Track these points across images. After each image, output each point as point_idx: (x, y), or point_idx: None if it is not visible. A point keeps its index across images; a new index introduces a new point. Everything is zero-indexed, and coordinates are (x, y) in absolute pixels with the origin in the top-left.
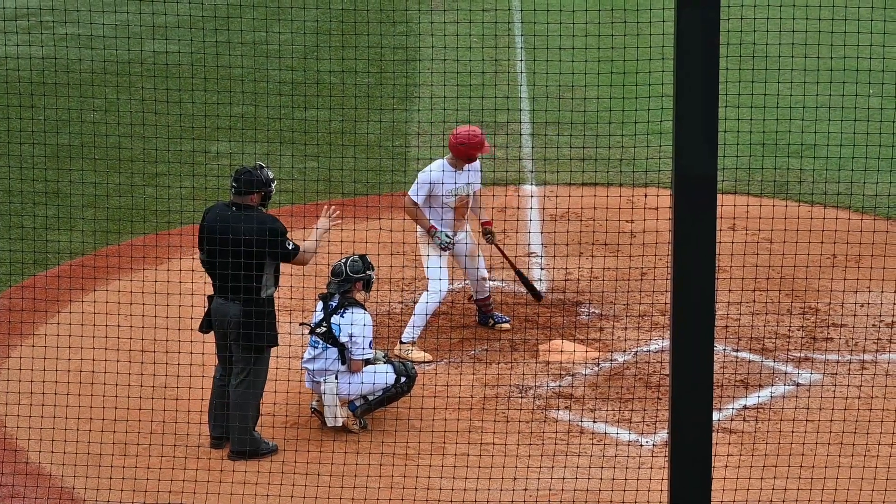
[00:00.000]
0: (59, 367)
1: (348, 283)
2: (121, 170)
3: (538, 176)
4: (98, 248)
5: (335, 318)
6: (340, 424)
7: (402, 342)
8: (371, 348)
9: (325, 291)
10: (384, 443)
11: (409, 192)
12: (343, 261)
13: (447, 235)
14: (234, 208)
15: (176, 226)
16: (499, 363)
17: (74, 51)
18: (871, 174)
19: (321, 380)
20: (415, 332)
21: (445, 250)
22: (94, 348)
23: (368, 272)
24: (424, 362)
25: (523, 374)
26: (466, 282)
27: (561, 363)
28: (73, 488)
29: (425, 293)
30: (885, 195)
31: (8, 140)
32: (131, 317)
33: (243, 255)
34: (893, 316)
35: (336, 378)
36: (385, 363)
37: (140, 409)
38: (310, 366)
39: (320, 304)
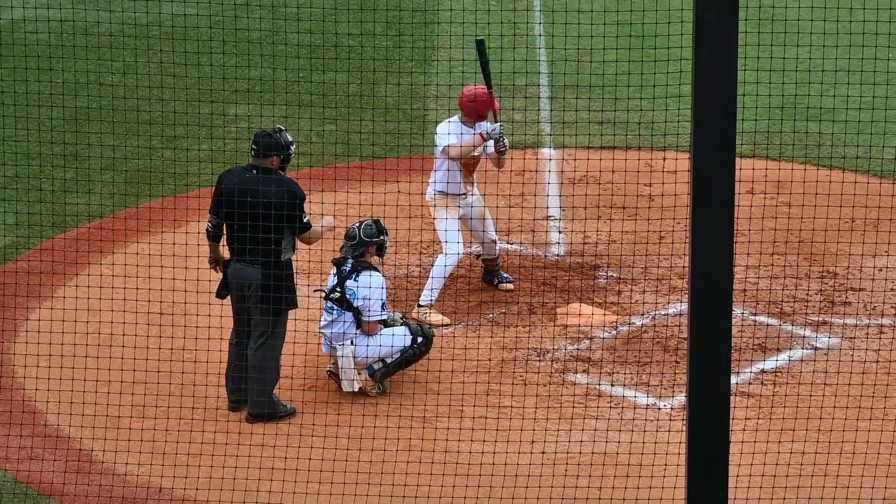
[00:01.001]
0: (77, 329)
1: (362, 247)
2: (139, 133)
3: (556, 139)
4: (116, 211)
5: (349, 283)
6: (357, 389)
7: (419, 305)
8: (384, 310)
9: (339, 256)
10: (402, 406)
11: (449, 143)
12: (357, 224)
13: (492, 129)
14: (253, 171)
15: (194, 188)
16: (517, 326)
17: (93, 13)
18: (891, 138)
19: (338, 344)
20: (433, 295)
21: (494, 141)
22: (112, 311)
23: (382, 237)
24: (442, 325)
25: (541, 337)
26: (476, 246)
27: (579, 326)
28: (92, 450)
29: (441, 256)
30: None
31: (26, 103)
32: (150, 279)
33: (265, 218)
34: None
35: (352, 343)
36: (402, 325)
37: (158, 372)
38: (326, 331)
39: (334, 270)
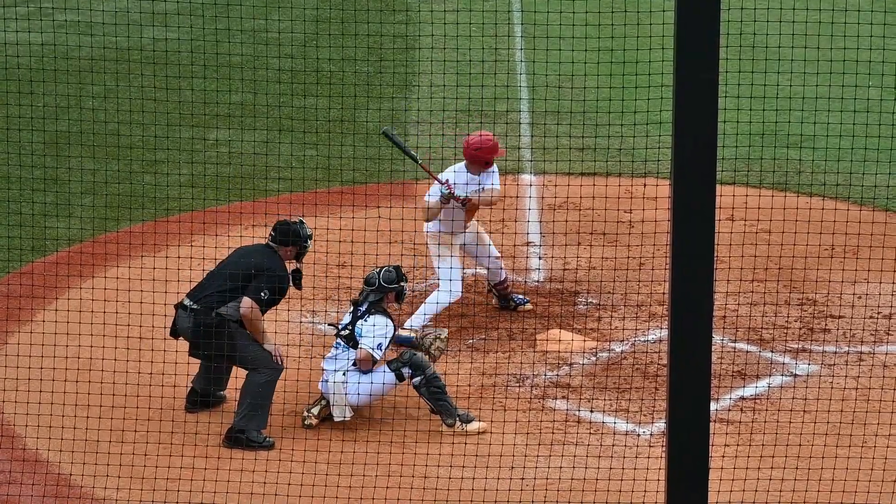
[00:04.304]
0: (56, 353)
1: (381, 293)
2: (119, 157)
3: (537, 165)
4: (96, 235)
5: (360, 323)
6: (348, 418)
7: (403, 326)
8: (381, 350)
9: (358, 298)
10: (381, 431)
11: (427, 197)
12: (377, 271)
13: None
14: (266, 248)
15: (174, 213)
16: (496, 352)
17: (73, 38)
18: (870, 165)
19: (331, 372)
20: (416, 322)
21: (447, 201)
22: (91, 335)
23: (402, 283)
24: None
25: (521, 363)
26: (478, 270)
27: (558, 353)
28: (70, 475)
29: (437, 292)
30: (884, 186)
31: (6, 126)
32: (129, 304)
33: (232, 277)
34: (891, 307)
35: (344, 374)
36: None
37: (137, 396)
38: (328, 366)
39: (351, 309)
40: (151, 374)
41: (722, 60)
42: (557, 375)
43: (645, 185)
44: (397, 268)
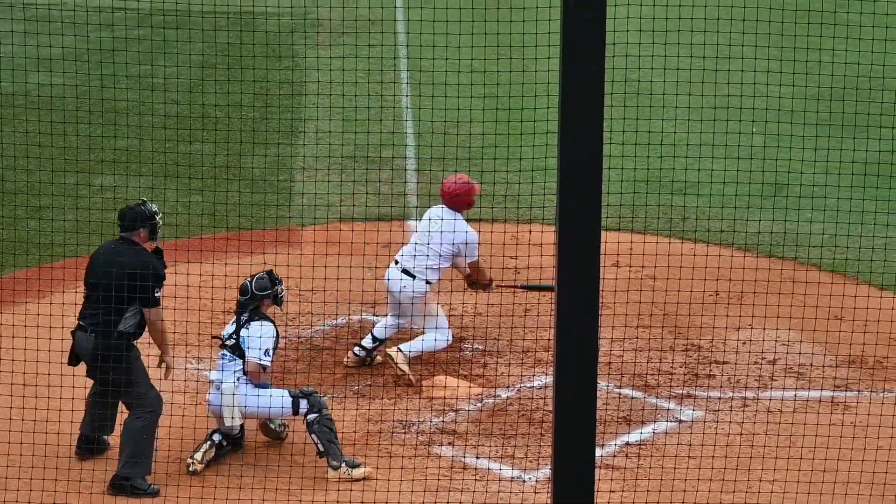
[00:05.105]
0: None
1: (255, 301)
2: (3, 202)
3: (423, 212)
4: None
5: (243, 332)
6: (238, 425)
7: (398, 349)
8: (268, 357)
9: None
10: (266, 477)
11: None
12: (249, 279)
13: None
14: (120, 243)
15: (59, 259)
16: (382, 398)
17: None
18: (754, 212)
19: (224, 379)
20: (410, 353)
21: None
22: None
23: (276, 287)
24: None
25: (407, 409)
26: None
27: (444, 399)
28: None
29: (426, 340)
30: (767, 233)
31: None
32: (13, 350)
33: (117, 288)
34: (775, 353)
35: (237, 382)
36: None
37: (21, 444)
38: (216, 377)
39: (234, 318)
40: (35, 420)
41: (607, 107)
42: (443, 422)
43: (531, 232)
44: (270, 272)
